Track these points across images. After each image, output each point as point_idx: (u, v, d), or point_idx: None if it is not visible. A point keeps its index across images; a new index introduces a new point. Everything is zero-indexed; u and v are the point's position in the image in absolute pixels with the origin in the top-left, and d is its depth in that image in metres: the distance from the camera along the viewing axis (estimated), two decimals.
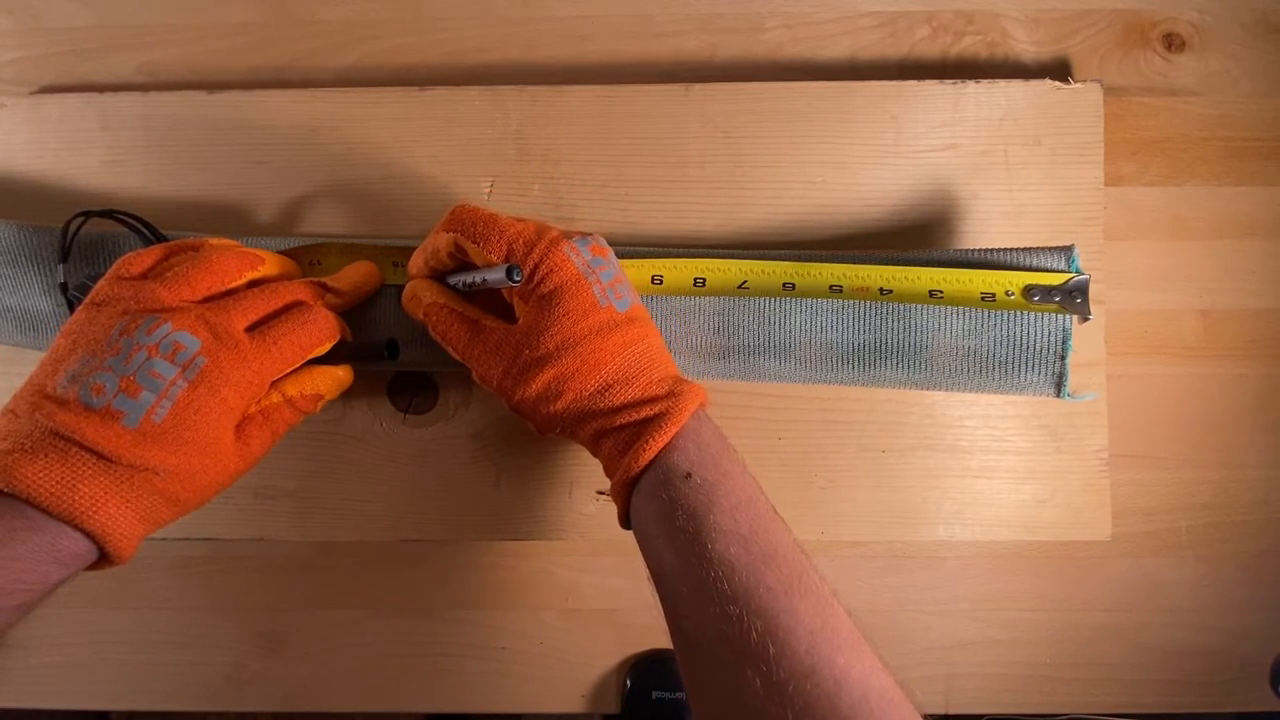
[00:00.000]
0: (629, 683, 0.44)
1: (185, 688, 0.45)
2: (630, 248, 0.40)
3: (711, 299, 0.40)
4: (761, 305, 0.39)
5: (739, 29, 0.45)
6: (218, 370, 0.31)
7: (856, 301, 0.39)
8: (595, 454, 0.35)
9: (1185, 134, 0.44)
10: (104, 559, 0.31)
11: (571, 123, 0.42)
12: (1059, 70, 0.44)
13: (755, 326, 0.40)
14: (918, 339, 0.39)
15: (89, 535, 0.29)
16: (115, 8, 0.45)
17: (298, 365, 0.34)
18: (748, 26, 0.45)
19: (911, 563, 0.45)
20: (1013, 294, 0.37)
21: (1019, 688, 0.44)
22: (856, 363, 0.39)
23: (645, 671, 0.44)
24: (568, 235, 0.35)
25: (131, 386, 0.30)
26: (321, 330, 0.35)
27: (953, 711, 0.45)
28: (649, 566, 0.32)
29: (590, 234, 0.35)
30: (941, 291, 0.37)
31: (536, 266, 0.33)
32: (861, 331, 0.39)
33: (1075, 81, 0.41)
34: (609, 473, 0.34)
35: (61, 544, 0.29)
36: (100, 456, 0.29)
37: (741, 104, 0.42)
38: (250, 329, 0.33)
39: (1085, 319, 0.36)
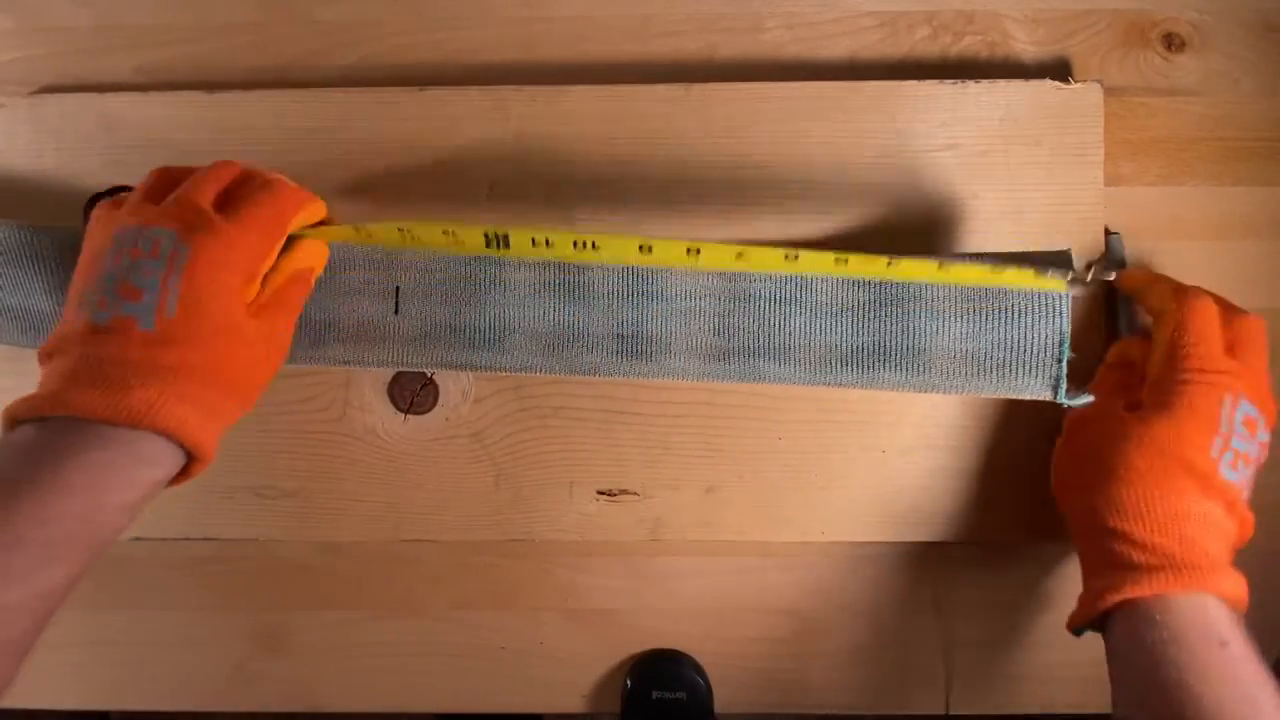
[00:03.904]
0: (629, 683, 0.44)
1: (185, 688, 0.45)
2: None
3: (710, 300, 0.40)
4: (762, 307, 0.39)
5: (739, 29, 0.45)
6: (205, 254, 0.32)
7: (856, 304, 0.39)
8: (1084, 541, 0.36)
9: (1185, 134, 0.44)
10: (191, 462, 0.32)
11: (571, 123, 0.42)
12: (1059, 70, 0.44)
13: (755, 329, 0.40)
14: (916, 342, 0.39)
15: (161, 434, 0.31)
16: (115, 8, 0.45)
17: (281, 236, 0.35)
18: (748, 26, 0.45)
19: (911, 562, 0.45)
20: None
21: (1019, 688, 0.44)
22: (856, 365, 0.40)
23: (645, 671, 0.44)
24: (1245, 395, 0.35)
25: (131, 291, 0.31)
26: (290, 196, 0.36)
27: (953, 711, 0.45)
28: (1128, 696, 0.33)
29: (1264, 416, 0.36)
30: (945, 279, 0.37)
31: (1189, 380, 0.35)
32: (860, 334, 0.39)
33: (1075, 81, 0.41)
34: (1095, 572, 0.35)
35: (140, 448, 0.30)
36: (134, 365, 0.30)
37: (741, 104, 0.42)
38: (218, 208, 0.34)
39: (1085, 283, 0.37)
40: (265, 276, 0.35)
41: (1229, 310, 0.37)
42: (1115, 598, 0.33)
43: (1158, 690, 0.31)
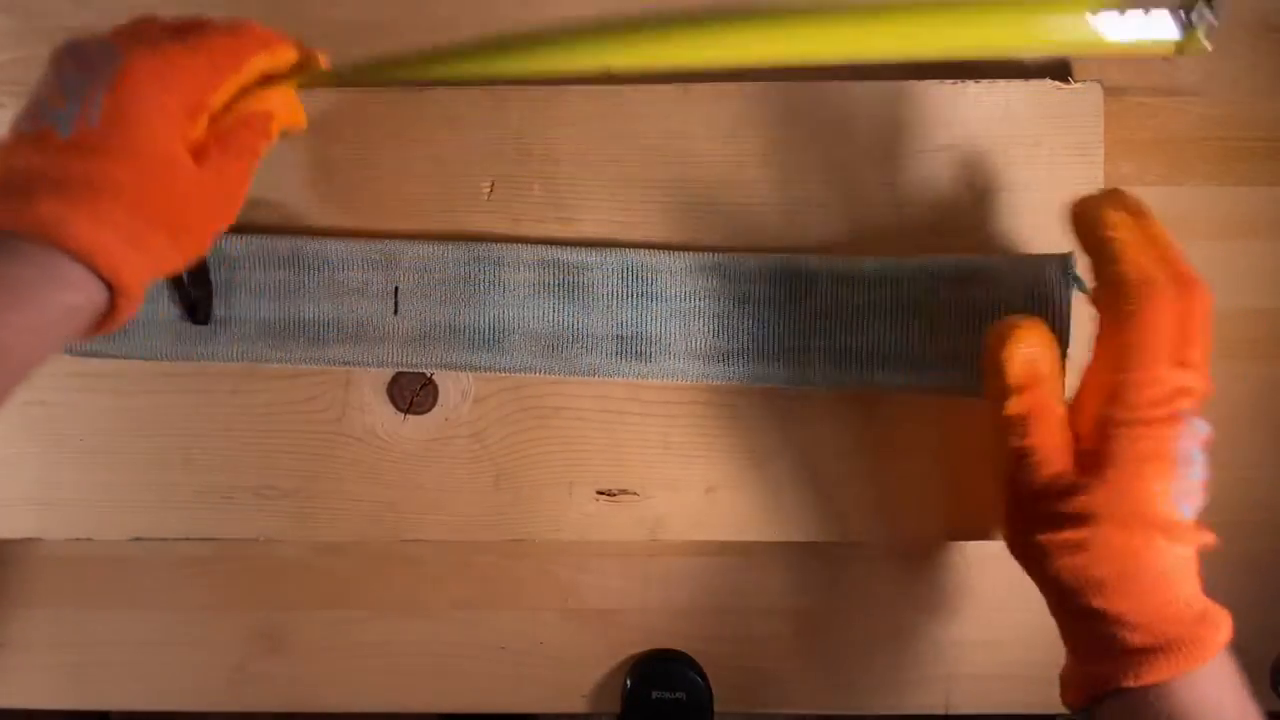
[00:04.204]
0: (629, 683, 0.44)
1: (185, 688, 0.45)
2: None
3: (711, 301, 0.40)
4: (762, 308, 0.40)
5: None
6: (141, 66, 0.30)
7: (855, 304, 0.39)
8: (1062, 618, 0.33)
9: (1185, 134, 0.44)
10: (115, 301, 0.30)
11: (571, 123, 0.42)
12: (1059, 70, 0.44)
13: (755, 329, 0.40)
14: (915, 344, 0.39)
15: (71, 254, 0.28)
16: (115, 8, 0.45)
17: (234, 70, 0.33)
18: None
19: (911, 562, 0.45)
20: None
21: (1019, 688, 0.44)
22: (856, 367, 0.40)
23: (645, 671, 0.44)
24: (1194, 414, 0.31)
25: (56, 98, 0.30)
26: (254, 34, 0.34)
27: (953, 711, 0.45)
28: None
29: (1202, 424, 0.31)
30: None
31: (1140, 422, 0.30)
32: (860, 335, 0.40)
33: (1075, 81, 0.41)
34: (1079, 655, 0.33)
35: (53, 269, 0.28)
36: (45, 173, 0.28)
37: (742, 104, 0.42)
38: (172, 36, 0.32)
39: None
40: (218, 117, 0.33)
41: (1179, 290, 0.31)
42: (1111, 686, 0.31)
43: None
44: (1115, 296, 0.31)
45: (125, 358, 0.41)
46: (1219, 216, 0.44)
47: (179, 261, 0.32)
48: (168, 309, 0.40)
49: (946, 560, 0.45)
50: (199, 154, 0.32)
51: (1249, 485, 0.44)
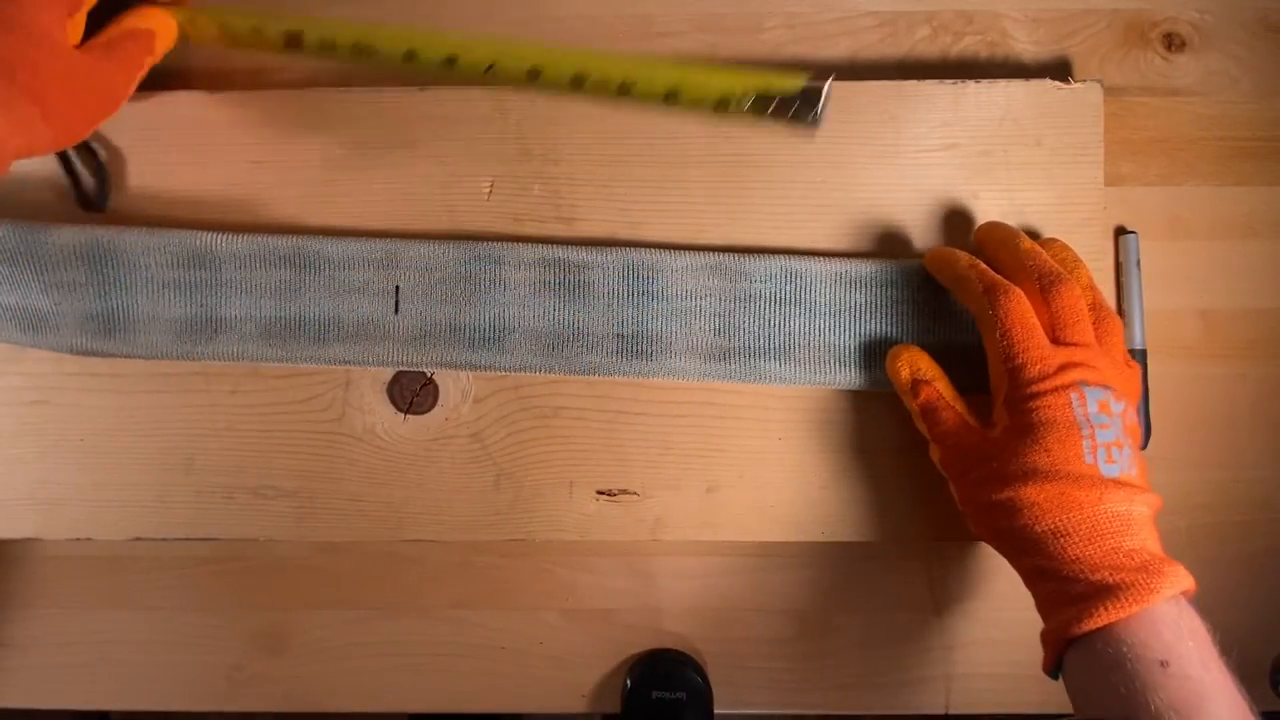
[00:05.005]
0: (629, 683, 0.44)
1: (185, 688, 0.45)
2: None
3: (711, 300, 0.40)
4: (762, 307, 0.40)
5: (739, 29, 0.45)
6: None
7: (855, 304, 0.39)
8: (1028, 585, 0.35)
9: (1185, 134, 0.44)
10: None
11: (571, 123, 0.42)
12: (1059, 70, 0.44)
13: (755, 329, 0.40)
14: (909, 342, 0.39)
15: None
16: None
17: None
18: (748, 26, 0.45)
19: (911, 563, 0.45)
20: (747, 104, 0.35)
21: (1019, 688, 0.44)
22: (855, 366, 0.40)
23: (645, 671, 0.44)
24: (1086, 382, 0.34)
25: None
26: None
27: (953, 711, 0.45)
28: None
29: (1110, 388, 0.34)
30: (678, 93, 0.35)
31: (1035, 395, 0.34)
32: (858, 335, 0.40)
33: (1075, 81, 0.41)
34: (1044, 614, 0.34)
35: None
36: None
37: None
38: None
39: (812, 125, 0.35)
40: (105, 31, 0.36)
41: (1043, 282, 0.36)
42: (1065, 636, 0.32)
43: None
44: (979, 308, 0.36)
45: (125, 357, 0.41)
46: (1219, 216, 0.44)
47: (50, 142, 0.33)
48: (168, 309, 0.40)
49: (946, 560, 0.45)
50: (86, 49, 0.34)
51: (1249, 485, 0.44)
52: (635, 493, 0.42)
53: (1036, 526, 0.33)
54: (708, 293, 0.40)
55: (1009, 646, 0.44)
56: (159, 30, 0.38)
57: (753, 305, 0.40)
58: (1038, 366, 0.34)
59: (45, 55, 0.33)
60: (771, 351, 0.40)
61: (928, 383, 0.37)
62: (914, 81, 0.41)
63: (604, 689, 0.45)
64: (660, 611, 0.45)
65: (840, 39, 0.45)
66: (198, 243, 0.40)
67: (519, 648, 0.45)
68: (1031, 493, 0.33)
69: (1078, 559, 0.32)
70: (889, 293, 0.40)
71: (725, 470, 0.42)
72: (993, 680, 0.45)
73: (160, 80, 0.45)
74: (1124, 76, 0.44)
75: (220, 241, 0.40)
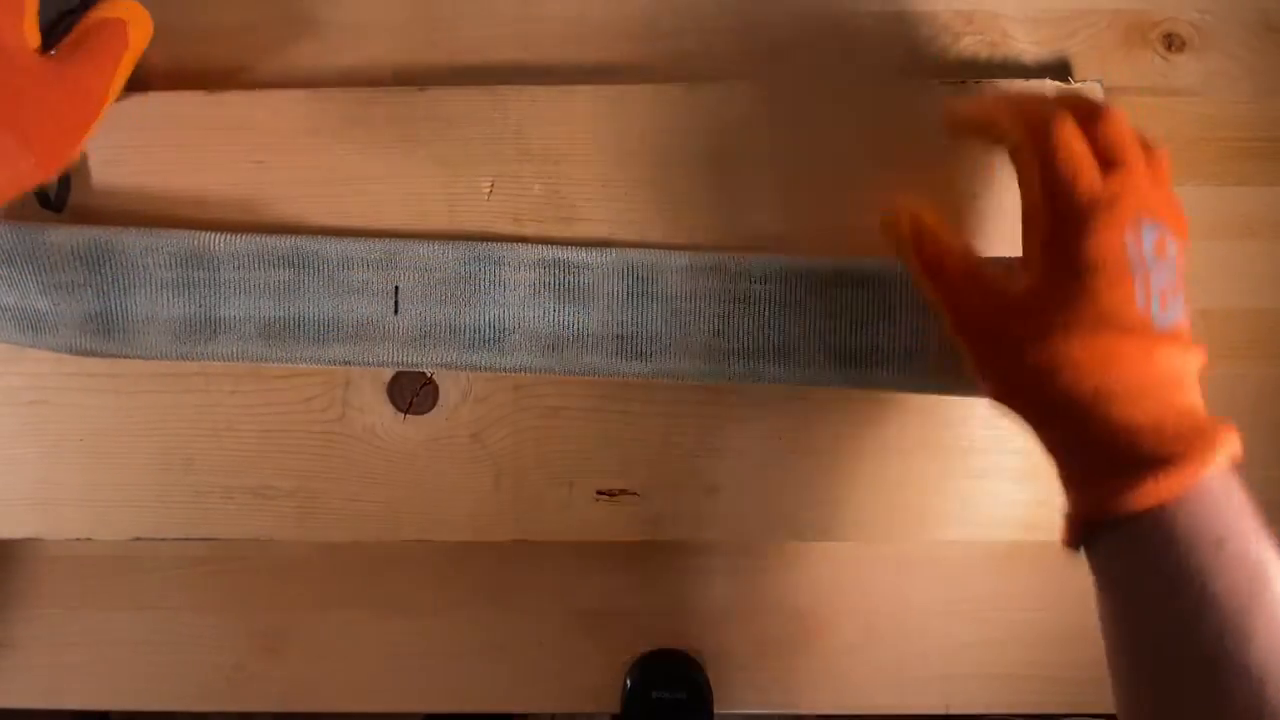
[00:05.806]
0: (629, 683, 0.44)
1: (185, 688, 0.45)
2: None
3: (711, 301, 0.40)
4: (762, 308, 0.40)
5: (739, 29, 0.45)
6: None
7: (855, 304, 0.39)
8: (1053, 455, 0.31)
9: (1185, 134, 0.44)
10: None
11: (571, 123, 0.42)
12: (1059, 70, 0.44)
13: (755, 330, 0.40)
14: (911, 342, 0.39)
15: None
16: None
17: None
18: (748, 26, 0.45)
19: (912, 563, 0.45)
20: None
21: (1019, 688, 0.44)
22: (856, 367, 0.40)
23: (645, 671, 0.44)
24: (1141, 216, 0.30)
25: None
26: None
27: (953, 711, 0.45)
28: (1120, 613, 0.29)
29: (1166, 225, 0.31)
30: None
31: (1085, 231, 0.29)
32: (860, 335, 0.40)
33: (1075, 81, 0.41)
34: (1072, 488, 0.30)
35: None
36: None
37: (743, 104, 0.42)
38: None
39: None
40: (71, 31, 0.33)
41: (1082, 111, 0.32)
42: (1103, 514, 0.29)
43: (1145, 618, 0.28)
44: (1014, 142, 0.32)
45: (125, 358, 0.41)
46: (1219, 216, 0.44)
47: (34, 169, 0.31)
48: (167, 309, 0.40)
49: (946, 560, 0.45)
50: (59, 54, 0.32)
51: (1249, 485, 0.44)
52: (635, 493, 0.42)
53: (1077, 388, 0.29)
54: (707, 293, 0.40)
55: (1009, 646, 0.44)
56: (130, 19, 0.35)
57: (752, 306, 0.40)
58: (1088, 196, 0.30)
59: (5, 70, 0.29)
60: (771, 352, 0.40)
61: (933, 234, 0.33)
62: (914, 81, 0.41)
63: (604, 689, 0.45)
64: (660, 611, 0.45)
65: (839, 39, 0.45)
66: (196, 243, 0.40)
67: (519, 648, 0.45)
68: (1074, 348, 0.29)
69: (1125, 425, 0.28)
70: (889, 293, 0.40)
71: (725, 470, 0.42)
72: (993, 680, 0.45)
73: (160, 80, 0.45)
74: (1124, 76, 0.44)
75: (219, 241, 0.40)
